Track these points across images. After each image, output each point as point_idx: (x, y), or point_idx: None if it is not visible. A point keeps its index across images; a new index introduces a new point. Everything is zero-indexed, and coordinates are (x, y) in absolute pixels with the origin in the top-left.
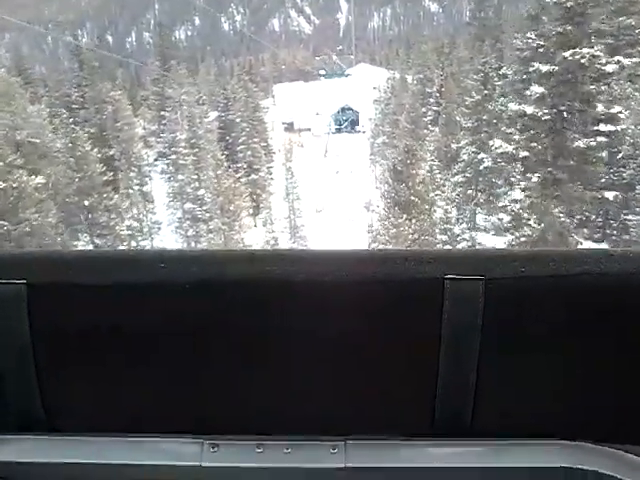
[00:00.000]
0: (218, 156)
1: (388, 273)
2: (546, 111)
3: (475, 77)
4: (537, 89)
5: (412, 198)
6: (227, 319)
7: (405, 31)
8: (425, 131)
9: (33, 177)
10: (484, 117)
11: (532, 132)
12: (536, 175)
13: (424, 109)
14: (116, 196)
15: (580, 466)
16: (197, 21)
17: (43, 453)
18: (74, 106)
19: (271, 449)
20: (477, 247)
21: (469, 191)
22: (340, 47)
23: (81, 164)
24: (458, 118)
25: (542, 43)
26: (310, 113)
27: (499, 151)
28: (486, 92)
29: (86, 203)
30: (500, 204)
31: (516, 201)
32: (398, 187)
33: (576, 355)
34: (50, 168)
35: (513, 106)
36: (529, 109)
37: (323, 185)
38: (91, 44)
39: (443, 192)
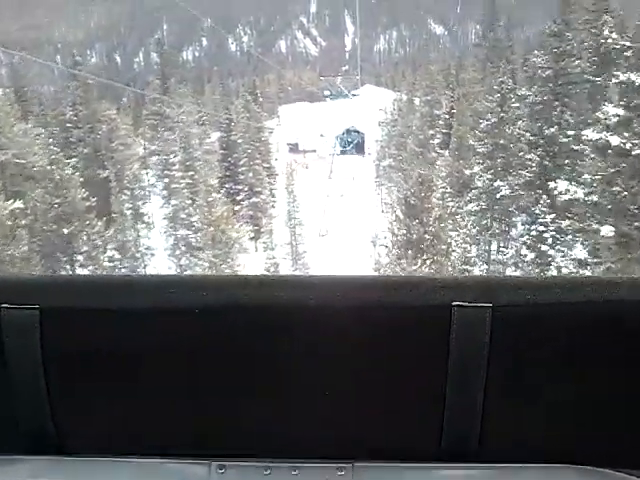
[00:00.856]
0: (209, 182)
1: (395, 299)
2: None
3: (490, 98)
4: (616, 110)
5: (426, 237)
6: (235, 344)
7: (411, 53)
8: (433, 154)
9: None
10: (500, 141)
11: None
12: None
13: (432, 131)
14: (100, 223)
15: None
16: (204, 42)
17: (53, 474)
18: (68, 125)
19: (278, 471)
20: (484, 274)
21: (484, 221)
22: (345, 67)
23: (64, 187)
24: (471, 142)
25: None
26: (315, 134)
27: (565, 198)
28: (502, 115)
29: (65, 231)
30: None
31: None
32: (411, 224)
33: (584, 382)
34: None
35: (590, 133)
36: (613, 139)
37: (327, 208)
38: (100, 64)
39: (460, 227)
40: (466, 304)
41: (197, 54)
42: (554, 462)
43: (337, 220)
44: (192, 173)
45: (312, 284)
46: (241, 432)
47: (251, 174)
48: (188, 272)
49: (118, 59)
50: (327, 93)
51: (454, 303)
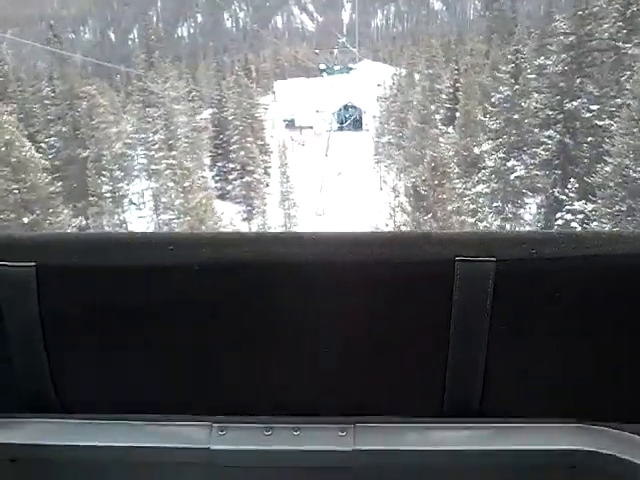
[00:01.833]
0: (185, 164)
1: (398, 255)
2: None
3: (503, 69)
4: None
5: (431, 219)
6: (236, 301)
7: (409, 29)
8: (436, 130)
9: None
10: (514, 116)
11: None
12: None
13: (434, 106)
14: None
15: (596, 449)
16: (200, 18)
17: (53, 435)
18: (46, 102)
19: (280, 432)
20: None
21: (495, 204)
22: (342, 39)
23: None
24: (480, 117)
25: None
26: (312, 110)
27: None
28: (517, 87)
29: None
30: None
31: None
32: (421, 218)
33: (589, 337)
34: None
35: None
36: None
37: (324, 187)
38: (94, 41)
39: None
40: (469, 258)
41: (192, 30)
42: (558, 419)
43: (335, 199)
44: (175, 153)
45: (313, 241)
46: (242, 390)
47: (243, 152)
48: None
49: (112, 35)
50: (323, 67)
51: (457, 258)
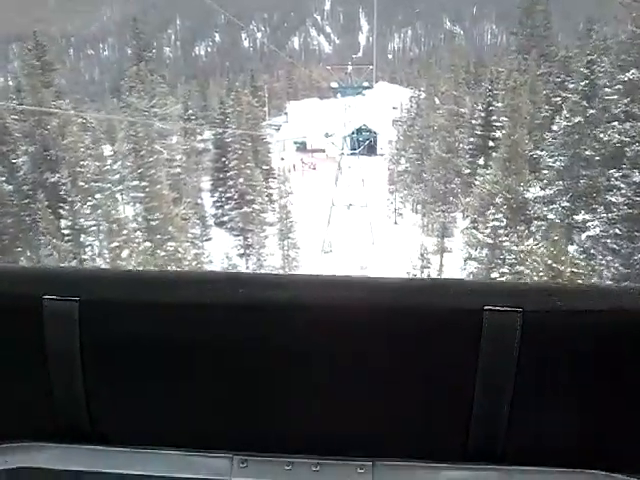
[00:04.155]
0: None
1: (426, 302)
2: None
3: (573, 88)
4: None
5: None
6: (263, 341)
7: (426, 52)
8: (463, 162)
9: None
10: (586, 153)
11: None
12: None
13: (459, 132)
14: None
15: None
16: (217, 38)
17: (84, 462)
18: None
19: (300, 467)
20: (517, 281)
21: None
22: (357, 55)
23: None
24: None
25: None
26: (324, 133)
27: None
28: (591, 111)
29: None
30: None
31: None
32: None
33: (613, 390)
34: None
35: None
36: None
37: (333, 220)
38: (112, 57)
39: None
40: (497, 308)
41: (209, 49)
42: (580, 468)
43: (344, 234)
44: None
45: (341, 284)
46: (262, 429)
47: (242, 179)
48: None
49: (129, 52)
50: (335, 85)
51: (485, 307)
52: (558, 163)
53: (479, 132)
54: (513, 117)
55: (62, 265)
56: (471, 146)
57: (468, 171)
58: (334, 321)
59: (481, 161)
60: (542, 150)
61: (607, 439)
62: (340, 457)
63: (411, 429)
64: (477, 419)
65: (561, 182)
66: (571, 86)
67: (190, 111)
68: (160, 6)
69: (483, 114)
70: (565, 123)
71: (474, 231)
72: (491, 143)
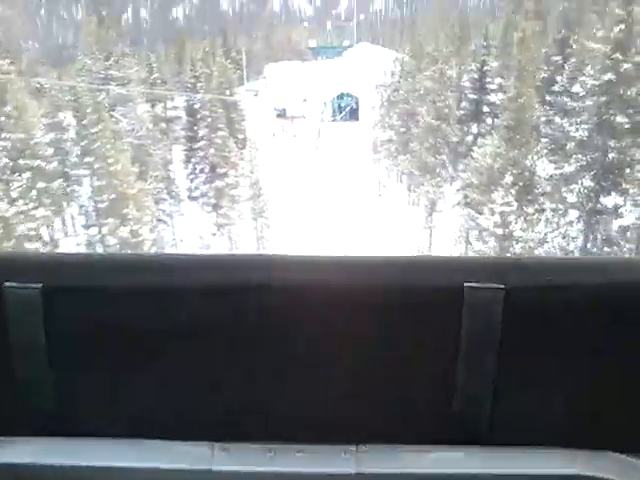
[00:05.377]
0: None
1: (406, 280)
2: None
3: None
4: None
5: None
6: (240, 324)
7: (409, 14)
8: (454, 129)
9: None
10: (617, 119)
11: None
12: None
13: (449, 94)
14: None
15: (595, 474)
16: (195, 0)
17: (55, 455)
18: None
19: (282, 453)
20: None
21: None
22: (336, 10)
23: None
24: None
25: None
26: (304, 98)
27: None
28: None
29: None
30: None
31: None
32: None
33: (598, 366)
34: None
35: None
36: None
37: (312, 194)
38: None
39: None
40: (478, 285)
41: (187, 12)
42: (565, 447)
43: (325, 208)
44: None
45: (321, 264)
46: (245, 414)
47: (212, 150)
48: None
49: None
50: (313, 45)
51: (466, 284)
52: (580, 132)
53: (472, 96)
54: (518, 77)
55: (24, 250)
56: (463, 112)
57: (460, 140)
58: (312, 302)
59: (475, 129)
60: (558, 115)
61: (594, 417)
62: (323, 442)
63: (394, 412)
64: (461, 399)
65: (582, 156)
66: (600, 34)
67: (156, 75)
68: None
69: (476, 75)
70: (592, 82)
71: (471, 211)
72: (486, 108)
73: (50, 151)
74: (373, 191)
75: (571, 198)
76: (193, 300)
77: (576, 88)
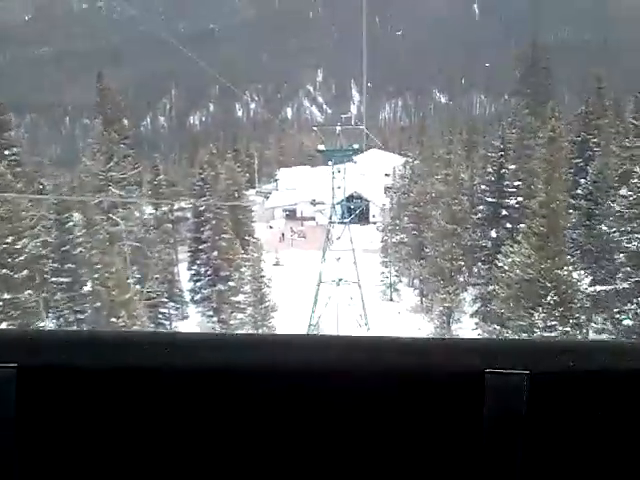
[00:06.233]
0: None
1: (422, 364)
2: None
3: None
4: None
5: None
6: (237, 410)
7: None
8: (473, 235)
9: None
10: None
11: None
12: None
13: (466, 199)
14: None
15: None
16: (212, 107)
17: None
18: None
19: None
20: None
21: None
22: (346, 115)
23: None
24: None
25: None
26: (315, 200)
27: None
28: None
29: None
30: None
31: None
32: None
33: (627, 457)
34: None
35: None
36: None
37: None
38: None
39: None
40: (501, 370)
41: (204, 119)
42: None
43: (333, 313)
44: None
45: (332, 344)
46: None
47: (216, 253)
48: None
49: (125, 122)
50: (322, 148)
51: (488, 369)
52: (634, 243)
53: (490, 199)
54: (549, 180)
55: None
56: (480, 215)
57: (482, 246)
58: (318, 386)
59: (493, 234)
60: (603, 224)
61: None
62: None
63: None
64: None
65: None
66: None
67: (161, 176)
68: (155, 77)
69: (493, 178)
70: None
71: (497, 327)
72: (504, 212)
73: (21, 258)
74: (384, 295)
75: (626, 320)
76: (177, 382)
77: (624, 191)
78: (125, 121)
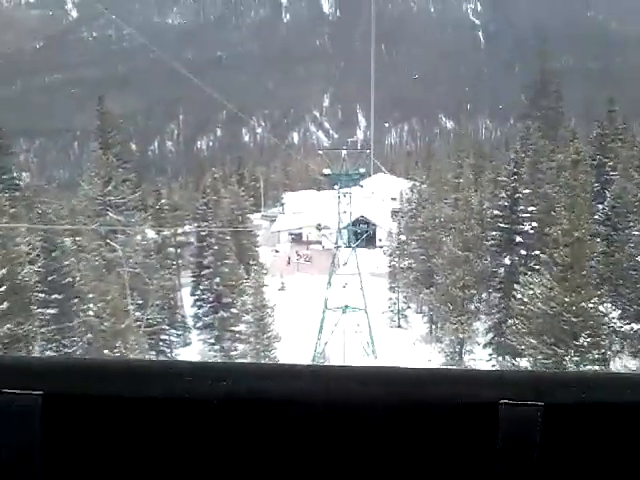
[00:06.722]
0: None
1: (434, 395)
2: None
3: None
4: None
5: None
6: (251, 439)
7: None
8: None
9: None
10: None
11: None
12: None
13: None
14: None
15: None
16: (219, 132)
17: None
18: None
19: None
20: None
21: None
22: (353, 139)
23: None
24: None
25: None
26: (320, 223)
27: None
28: None
29: None
30: None
31: None
32: None
33: None
34: None
35: None
36: None
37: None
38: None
39: None
40: (515, 401)
41: (211, 144)
42: None
43: (340, 342)
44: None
45: (339, 375)
46: None
47: (218, 279)
48: None
49: (133, 147)
50: (327, 172)
51: (502, 401)
52: None
53: (504, 224)
54: (572, 207)
55: (24, 354)
56: (492, 242)
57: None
58: (327, 418)
59: (507, 260)
60: (624, 251)
61: None
62: None
63: None
64: None
65: None
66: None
67: (163, 200)
68: (163, 102)
69: (506, 203)
70: None
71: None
72: (518, 238)
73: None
74: (392, 321)
75: None
76: (206, 413)
77: None
78: (130, 145)
